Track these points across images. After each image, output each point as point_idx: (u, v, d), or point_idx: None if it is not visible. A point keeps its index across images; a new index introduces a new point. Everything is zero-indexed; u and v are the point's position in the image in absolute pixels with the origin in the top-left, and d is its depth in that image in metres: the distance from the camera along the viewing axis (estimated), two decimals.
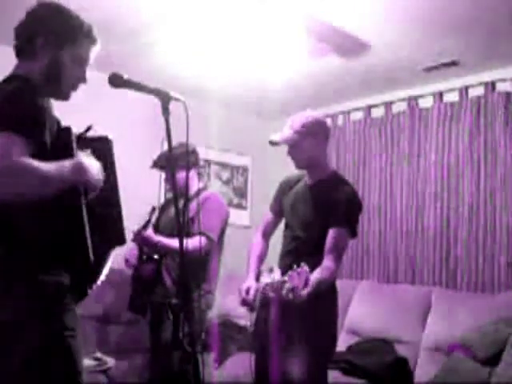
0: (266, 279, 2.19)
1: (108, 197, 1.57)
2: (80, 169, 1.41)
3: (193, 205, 2.76)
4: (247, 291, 2.24)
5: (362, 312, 3.69)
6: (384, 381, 3.06)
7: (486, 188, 3.57)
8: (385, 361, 3.14)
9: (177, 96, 1.52)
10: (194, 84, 4.12)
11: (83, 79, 1.58)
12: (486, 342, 2.81)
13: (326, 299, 2.23)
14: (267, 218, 2.56)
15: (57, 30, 1.51)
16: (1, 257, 1.39)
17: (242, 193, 5.05)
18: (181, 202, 2.31)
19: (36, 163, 1.30)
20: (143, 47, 3.46)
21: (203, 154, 3.63)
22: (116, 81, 1.48)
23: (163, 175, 3.13)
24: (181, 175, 2.72)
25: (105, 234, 1.53)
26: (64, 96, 1.57)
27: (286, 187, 2.47)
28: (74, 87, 1.58)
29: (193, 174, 2.93)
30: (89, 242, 1.44)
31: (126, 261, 2.87)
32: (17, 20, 1.53)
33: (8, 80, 1.45)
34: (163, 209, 3.02)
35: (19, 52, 1.53)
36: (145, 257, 2.83)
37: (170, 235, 2.69)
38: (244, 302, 2.24)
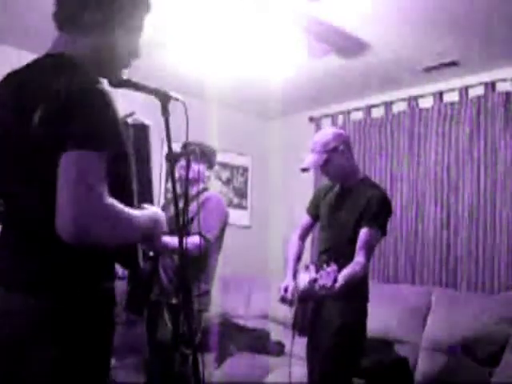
0: (303, 277, 2.40)
1: (143, 191, 1.44)
2: (157, 221, 1.34)
3: (193, 205, 2.76)
4: (286, 290, 2.49)
5: None
6: (384, 381, 3.05)
7: (486, 188, 3.57)
8: (385, 361, 3.14)
9: (176, 96, 1.51)
10: (194, 84, 4.12)
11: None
12: (486, 342, 2.81)
13: (357, 292, 2.44)
14: (305, 221, 2.77)
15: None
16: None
17: (242, 193, 5.04)
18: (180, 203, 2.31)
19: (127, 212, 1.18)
20: (143, 47, 3.46)
21: None
22: (115, 81, 1.48)
23: (163, 175, 3.12)
24: (193, 168, 2.80)
25: None
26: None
27: (322, 193, 2.72)
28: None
29: (209, 173, 2.95)
30: (138, 245, 1.37)
31: None
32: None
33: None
34: (163, 209, 3.01)
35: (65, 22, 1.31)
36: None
37: (170, 234, 2.68)
38: (283, 300, 2.49)
